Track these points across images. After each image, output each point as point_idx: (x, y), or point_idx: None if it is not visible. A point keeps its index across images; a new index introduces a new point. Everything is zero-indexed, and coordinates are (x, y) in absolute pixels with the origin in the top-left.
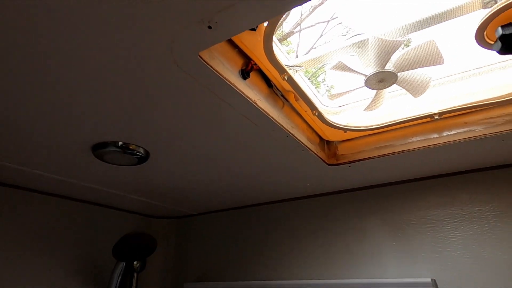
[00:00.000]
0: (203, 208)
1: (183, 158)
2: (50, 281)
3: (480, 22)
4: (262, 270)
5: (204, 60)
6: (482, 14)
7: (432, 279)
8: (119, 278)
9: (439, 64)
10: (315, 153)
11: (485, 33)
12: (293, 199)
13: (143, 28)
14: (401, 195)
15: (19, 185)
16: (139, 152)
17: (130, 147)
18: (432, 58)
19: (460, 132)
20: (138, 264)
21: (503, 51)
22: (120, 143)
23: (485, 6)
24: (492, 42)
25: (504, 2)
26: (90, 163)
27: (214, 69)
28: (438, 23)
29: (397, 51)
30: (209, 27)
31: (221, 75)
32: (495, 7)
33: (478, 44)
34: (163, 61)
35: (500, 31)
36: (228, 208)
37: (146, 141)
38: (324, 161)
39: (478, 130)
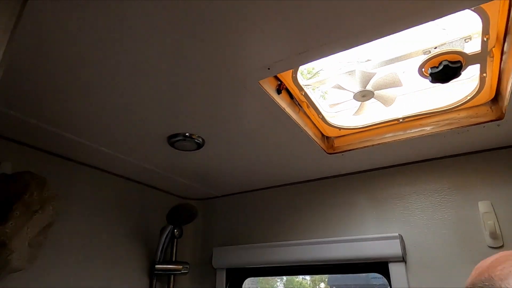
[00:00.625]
0: (226, 191)
1: (229, 146)
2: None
3: (420, 63)
4: (274, 236)
5: (260, 85)
6: (422, 58)
7: (399, 234)
8: (166, 240)
9: (399, 86)
10: (319, 144)
11: (423, 69)
12: (299, 182)
13: (231, 64)
14: (380, 177)
15: (97, 166)
16: (198, 140)
17: (193, 136)
18: (394, 82)
19: (417, 131)
20: (177, 232)
21: (433, 81)
22: (187, 133)
23: (424, 53)
24: (427, 75)
25: (433, 53)
26: (163, 150)
27: (264, 89)
28: (398, 61)
29: (373, 77)
30: (268, 69)
31: (267, 92)
32: (429, 55)
33: (419, 75)
34: (236, 84)
35: (430, 70)
36: (245, 191)
37: (205, 132)
38: (325, 150)
39: (428, 130)
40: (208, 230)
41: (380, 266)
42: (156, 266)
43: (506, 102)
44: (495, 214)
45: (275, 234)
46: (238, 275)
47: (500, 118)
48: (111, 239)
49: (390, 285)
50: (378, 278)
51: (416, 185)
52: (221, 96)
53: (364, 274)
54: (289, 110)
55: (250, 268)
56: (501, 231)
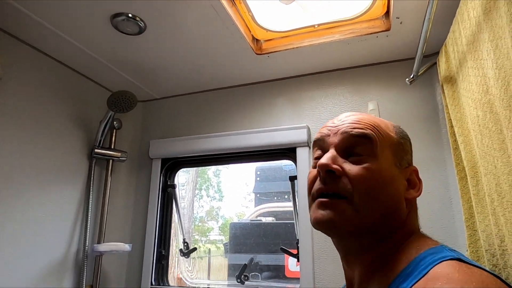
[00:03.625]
0: (164, 93)
1: (167, 37)
2: (52, 129)
3: None
4: (206, 130)
5: None
6: None
7: (306, 125)
8: (105, 128)
9: None
10: (249, 43)
11: None
12: (231, 87)
13: None
14: (297, 83)
15: (39, 47)
16: (140, 23)
17: (136, 18)
18: None
19: (328, 38)
20: (117, 124)
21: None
22: (130, 14)
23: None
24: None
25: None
26: (105, 31)
27: None
28: None
29: None
30: None
31: None
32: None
33: None
34: None
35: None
36: (182, 94)
37: (148, 16)
38: (254, 50)
39: (337, 37)
40: (147, 127)
41: (291, 151)
42: (96, 150)
43: (391, 15)
44: (378, 110)
45: (207, 129)
46: (172, 165)
47: (388, 29)
48: (52, 123)
49: (296, 166)
50: (289, 165)
51: (325, 90)
52: None
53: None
54: (224, 1)
55: (183, 160)
56: None
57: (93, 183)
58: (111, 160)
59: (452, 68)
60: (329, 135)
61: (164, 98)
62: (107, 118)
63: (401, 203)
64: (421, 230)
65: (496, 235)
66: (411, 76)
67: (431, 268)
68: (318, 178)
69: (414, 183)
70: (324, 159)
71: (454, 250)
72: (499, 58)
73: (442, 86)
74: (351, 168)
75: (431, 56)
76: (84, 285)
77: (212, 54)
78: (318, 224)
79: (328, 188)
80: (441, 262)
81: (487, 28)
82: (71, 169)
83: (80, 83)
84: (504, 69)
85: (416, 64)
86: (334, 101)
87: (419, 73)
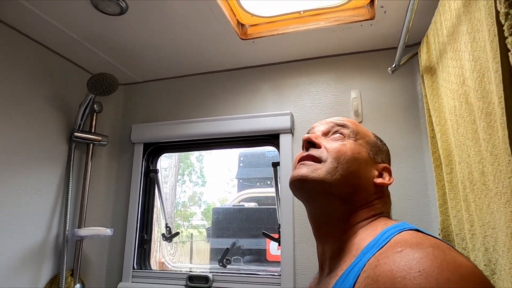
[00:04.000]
0: (147, 76)
1: (152, 20)
2: (30, 111)
3: None
4: (189, 115)
5: None
6: None
7: (290, 112)
8: (85, 111)
9: None
10: (233, 27)
11: None
12: (215, 71)
13: None
14: (282, 70)
15: (16, 26)
16: (122, 3)
17: None
18: None
19: (313, 24)
20: (97, 107)
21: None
22: None
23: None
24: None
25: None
26: (86, 11)
27: None
28: None
29: None
30: None
31: None
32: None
33: None
34: None
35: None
36: (166, 78)
37: None
38: (238, 35)
39: (322, 24)
40: (128, 111)
41: (274, 137)
42: (75, 134)
43: (376, 4)
44: (360, 99)
45: (191, 114)
46: (154, 150)
47: (372, 18)
48: (29, 105)
49: (279, 153)
50: (272, 151)
51: (309, 77)
52: None
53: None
54: None
55: (166, 145)
56: (362, 111)
57: (73, 167)
58: (91, 144)
59: (432, 58)
60: (315, 127)
61: (146, 81)
62: (87, 101)
63: (368, 184)
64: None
65: (466, 220)
66: (393, 66)
67: (392, 237)
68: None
69: (385, 177)
70: (307, 135)
71: (414, 226)
72: (475, 50)
73: (423, 76)
74: (331, 144)
75: (413, 46)
76: (64, 270)
77: (196, 38)
78: (293, 181)
79: (308, 154)
80: (401, 232)
81: (466, 21)
82: (50, 152)
83: (59, 64)
84: (480, 61)
85: (398, 53)
86: (318, 88)
87: (401, 63)
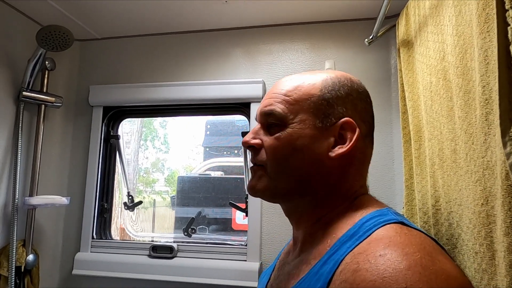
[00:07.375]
0: (108, 32)
1: None
2: None
3: None
4: (154, 78)
5: None
6: None
7: (262, 80)
8: (36, 68)
9: None
10: None
11: None
12: (185, 32)
13: None
14: (255, 34)
15: None
16: None
17: None
18: None
19: None
20: (49, 64)
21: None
22: None
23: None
24: None
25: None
26: None
27: None
28: None
29: None
30: None
31: None
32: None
33: None
34: None
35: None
36: (130, 35)
37: None
38: None
39: None
40: (86, 71)
41: (244, 106)
42: (24, 93)
43: None
44: (335, 69)
45: (155, 77)
46: (115, 114)
47: None
48: None
49: (249, 122)
50: (242, 120)
51: (283, 44)
52: None
53: (230, 123)
54: None
55: (128, 109)
56: None
57: (21, 129)
58: (43, 105)
59: (410, 31)
60: (257, 115)
61: (106, 38)
62: (37, 56)
63: (320, 165)
64: (369, 192)
65: (432, 195)
66: (370, 37)
67: (375, 230)
68: None
69: (345, 138)
70: (246, 136)
71: (398, 214)
72: (460, 24)
73: (399, 49)
74: (266, 139)
75: (392, 18)
76: (15, 241)
77: None
78: (248, 192)
79: (252, 159)
80: (384, 225)
81: None
82: None
83: (4, 13)
84: (464, 36)
85: (377, 24)
86: (292, 57)
87: (378, 34)
